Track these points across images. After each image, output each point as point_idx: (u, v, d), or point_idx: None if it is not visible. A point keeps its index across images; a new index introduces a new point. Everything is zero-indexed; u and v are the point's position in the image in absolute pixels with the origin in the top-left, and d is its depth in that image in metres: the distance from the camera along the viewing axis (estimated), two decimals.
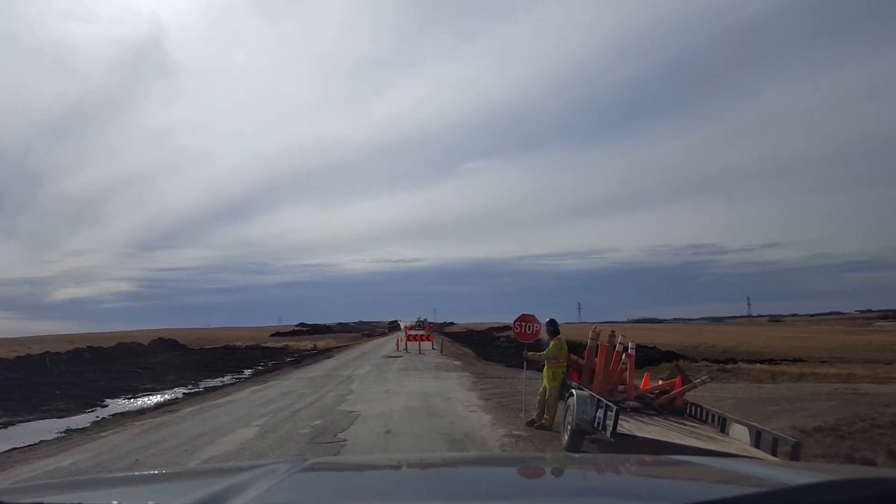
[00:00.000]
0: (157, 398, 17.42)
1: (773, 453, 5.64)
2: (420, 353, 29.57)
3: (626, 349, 8.10)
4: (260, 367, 28.47)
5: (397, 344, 35.03)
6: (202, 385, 20.85)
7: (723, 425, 6.89)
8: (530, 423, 8.89)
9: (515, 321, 10.06)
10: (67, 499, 1.35)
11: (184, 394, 18.09)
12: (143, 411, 13.66)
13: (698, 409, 7.59)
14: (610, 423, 6.24)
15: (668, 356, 27.98)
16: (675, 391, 7.84)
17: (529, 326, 9.91)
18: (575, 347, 10.48)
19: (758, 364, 24.50)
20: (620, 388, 8.05)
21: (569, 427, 7.37)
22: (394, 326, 76.95)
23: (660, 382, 8.62)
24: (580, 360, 8.92)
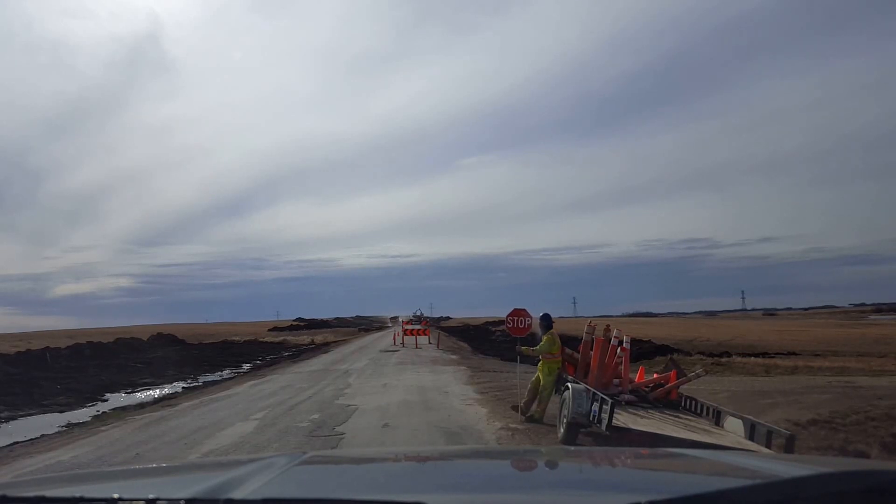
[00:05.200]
0: (156, 392, 17.42)
1: (768, 446, 5.68)
2: (417, 348, 29.61)
3: (621, 343, 8.13)
4: (258, 362, 28.49)
5: (394, 338, 35.07)
6: (201, 379, 20.86)
7: (717, 418, 6.92)
8: (527, 417, 8.93)
9: (508, 316, 10.11)
10: (69, 492, 1.36)
11: (183, 388, 18.11)
12: (142, 405, 13.66)
13: (693, 402, 7.63)
14: (605, 416, 6.27)
15: (663, 350, 28.05)
16: (669, 384, 7.87)
17: (522, 321, 9.95)
18: (570, 341, 10.53)
19: (752, 357, 24.56)
20: (616, 381, 8.09)
21: (564, 420, 7.41)
22: (395, 321, 79.22)
23: (655, 376, 8.65)
24: (576, 354, 8.95)
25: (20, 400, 15.55)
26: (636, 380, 8.50)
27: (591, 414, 6.76)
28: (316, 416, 9.78)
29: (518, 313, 10.01)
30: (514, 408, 9.06)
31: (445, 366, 19.63)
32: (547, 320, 9.21)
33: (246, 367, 26.06)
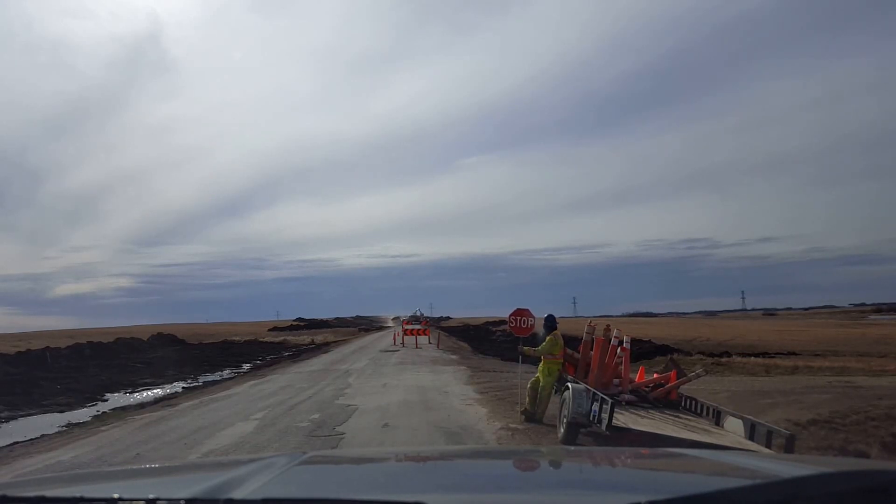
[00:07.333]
0: (156, 392, 17.42)
1: (768, 446, 5.69)
2: (417, 348, 29.62)
3: (621, 343, 8.13)
4: (258, 362, 28.48)
5: (394, 338, 35.08)
6: (201, 379, 20.85)
7: (717, 418, 6.93)
8: (527, 417, 8.92)
9: (511, 315, 10.13)
10: (69, 492, 1.36)
11: (183, 388, 18.10)
12: (143, 405, 13.66)
13: (693, 402, 7.63)
14: (605, 416, 6.28)
15: (663, 350, 28.03)
16: (669, 384, 7.88)
17: (524, 320, 9.96)
18: (571, 341, 10.52)
19: (752, 357, 24.54)
20: (616, 381, 8.09)
21: (565, 420, 7.41)
22: (398, 320, 79.45)
23: (655, 376, 8.66)
24: (576, 354, 8.95)
25: (20, 400, 15.54)
26: (636, 380, 8.50)
27: (591, 414, 6.77)
28: (316, 415, 9.78)
29: (521, 313, 10.02)
30: (529, 416, 8.92)
31: (445, 366, 19.63)
32: (551, 321, 9.20)
33: (246, 367, 26.05)
